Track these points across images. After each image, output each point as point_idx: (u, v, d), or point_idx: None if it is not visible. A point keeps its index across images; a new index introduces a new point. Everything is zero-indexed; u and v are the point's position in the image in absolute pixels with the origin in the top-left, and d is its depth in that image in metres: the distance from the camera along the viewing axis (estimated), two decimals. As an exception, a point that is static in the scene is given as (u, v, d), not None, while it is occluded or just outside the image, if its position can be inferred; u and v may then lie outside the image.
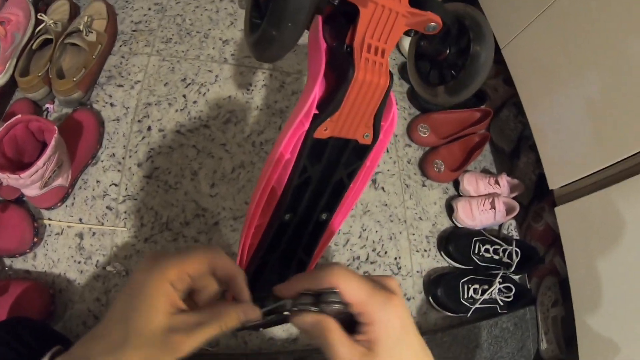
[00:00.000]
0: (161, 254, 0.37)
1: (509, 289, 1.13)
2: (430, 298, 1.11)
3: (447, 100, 0.61)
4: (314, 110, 0.49)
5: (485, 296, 1.10)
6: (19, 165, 0.91)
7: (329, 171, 0.57)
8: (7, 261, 0.95)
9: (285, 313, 0.41)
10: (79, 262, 0.97)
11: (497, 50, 1.27)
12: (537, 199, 1.32)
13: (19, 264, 0.95)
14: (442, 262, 1.19)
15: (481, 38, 0.57)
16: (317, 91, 0.49)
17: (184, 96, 1.17)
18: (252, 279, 0.69)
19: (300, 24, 0.41)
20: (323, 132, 0.51)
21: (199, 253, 0.38)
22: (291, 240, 0.64)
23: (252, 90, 1.23)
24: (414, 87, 0.65)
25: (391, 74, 0.50)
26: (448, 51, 0.60)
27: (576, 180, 1.04)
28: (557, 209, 1.09)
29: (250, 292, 0.42)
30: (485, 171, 1.39)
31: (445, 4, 0.57)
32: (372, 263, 1.11)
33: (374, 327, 0.37)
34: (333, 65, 0.50)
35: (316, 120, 0.50)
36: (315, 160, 0.54)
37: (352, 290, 0.37)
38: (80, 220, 1.00)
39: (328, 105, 0.49)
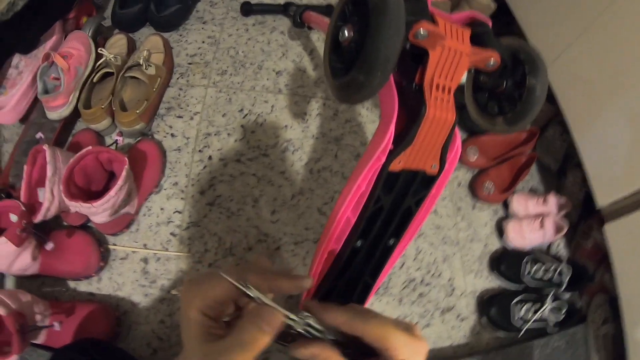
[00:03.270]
0: (193, 283, 0.38)
1: (560, 308, 1.13)
2: (483, 318, 1.12)
3: (505, 130, 0.64)
4: (390, 146, 0.53)
5: (537, 316, 1.10)
6: (88, 193, 0.96)
7: (399, 200, 0.60)
8: (72, 283, 0.99)
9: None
10: (144, 286, 1.01)
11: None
12: (585, 216, 1.32)
13: (83, 286, 0.99)
14: (494, 282, 1.20)
15: (536, 71, 0.60)
16: (393, 129, 0.52)
17: (242, 126, 1.22)
18: (319, 304, 0.72)
19: (388, 71, 0.44)
20: (397, 165, 0.54)
21: (219, 281, 0.37)
22: (359, 265, 0.68)
23: (307, 119, 1.28)
24: (473, 118, 0.68)
25: (456, 109, 0.54)
26: (505, 84, 0.63)
27: (624, 197, 1.04)
28: (605, 227, 1.08)
29: None
30: (533, 190, 1.39)
31: (500, 38, 0.60)
32: (427, 285, 1.14)
33: None
34: (403, 102, 0.54)
35: (391, 155, 0.53)
36: (388, 190, 0.57)
37: (398, 338, 0.38)
38: (144, 245, 1.05)
39: (401, 140, 0.53)
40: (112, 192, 0.90)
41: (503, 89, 0.63)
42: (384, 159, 0.53)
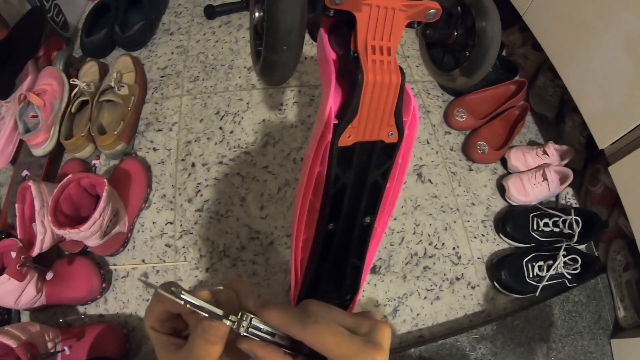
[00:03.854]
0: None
1: (574, 260, 1.08)
2: (495, 283, 1.09)
3: (465, 82, 0.61)
4: (334, 121, 0.50)
5: (551, 272, 1.06)
6: (78, 220, 0.97)
7: (362, 175, 0.57)
8: (81, 308, 1.02)
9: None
10: (148, 300, 1.02)
11: (519, 17, 1.24)
12: (590, 161, 1.27)
13: (92, 309, 1.02)
14: (502, 244, 1.16)
15: (483, 13, 0.57)
16: (333, 102, 0.50)
17: (220, 128, 1.22)
18: (308, 292, 0.71)
19: (294, 44, 0.42)
20: (347, 139, 0.51)
21: (157, 298, 0.37)
22: (340, 248, 0.65)
23: (284, 109, 1.27)
24: (432, 76, 0.65)
25: (402, 69, 0.51)
26: (455, 33, 0.59)
27: (627, 133, 0.98)
28: (611, 168, 1.03)
29: None
30: (532, 143, 1.35)
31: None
32: (430, 257, 1.11)
33: None
34: (345, 73, 0.51)
35: (337, 130, 0.51)
36: (346, 167, 0.55)
37: (336, 350, 0.34)
38: (143, 260, 1.06)
39: (346, 112, 0.50)
40: (95, 215, 0.91)
41: (454, 39, 0.59)
42: (329, 136, 0.51)
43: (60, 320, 0.99)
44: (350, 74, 0.50)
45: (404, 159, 0.61)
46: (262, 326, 0.36)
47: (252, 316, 0.35)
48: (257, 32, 0.49)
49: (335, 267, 0.69)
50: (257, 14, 0.46)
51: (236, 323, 0.35)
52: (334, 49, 0.53)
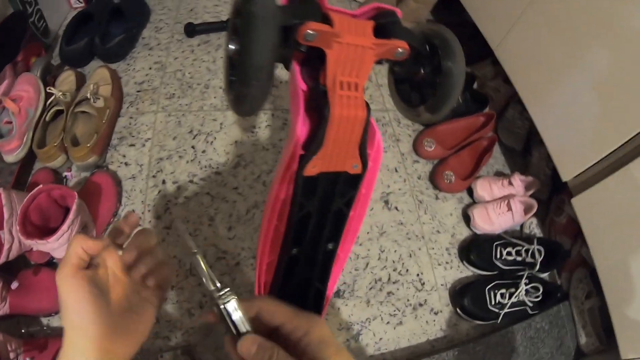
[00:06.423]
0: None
1: (536, 288, 1.11)
2: (458, 309, 1.11)
3: (429, 119, 0.63)
4: (300, 152, 0.52)
5: (513, 299, 1.09)
6: (46, 231, 0.96)
7: (326, 203, 0.59)
8: (45, 320, 1.00)
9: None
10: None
11: (491, 52, 1.29)
12: (556, 192, 1.31)
13: (56, 321, 0.99)
14: (466, 271, 1.19)
15: (450, 54, 0.59)
16: (300, 133, 0.51)
17: (193, 147, 1.22)
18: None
19: (263, 79, 0.44)
20: (312, 169, 0.53)
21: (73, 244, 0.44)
22: (304, 272, 0.66)
23: (257, 132, 1.27)
24: (399, 110, 0.67)
25: (368, 105, 0.53)
26: (422, 71, 0.62)
27: (590, 167, 1.02)
28: (573, 200, 1.07)
29: None
30: (499, 173, 1.39)
31: (412, 27, 0.59)
32: (394, 283, 1.12)
33: (309, 335, 0.42)
34: (314, 105, 0.53)
35: (303, 160, 0.52)
36: (310, 195, 0.56)
37: (278, 312, 0.44)
38: (108, 275, 1.04)
39: (312, 144, 0.52)
40: (64, 227, 0.90)
41: (421, 76, 0.62)
42: (295, 166, 0.52)
43: (23, 331, 0.97)
44: (318, 107, 0.52)
45: (367, 189, 0.62)
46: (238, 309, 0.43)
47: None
48: (231, 63, 0.51)
49: (298, 291, 0.70)
50: (232, 47, 0.47)
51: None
52: (305, 80, 0.55)
